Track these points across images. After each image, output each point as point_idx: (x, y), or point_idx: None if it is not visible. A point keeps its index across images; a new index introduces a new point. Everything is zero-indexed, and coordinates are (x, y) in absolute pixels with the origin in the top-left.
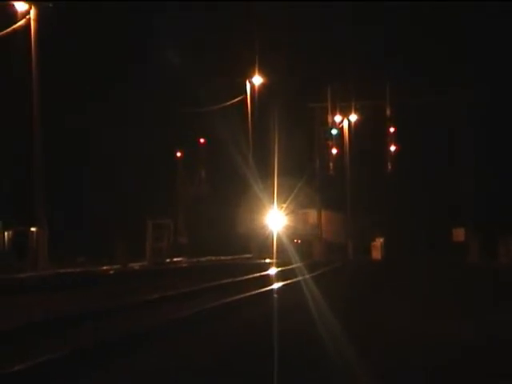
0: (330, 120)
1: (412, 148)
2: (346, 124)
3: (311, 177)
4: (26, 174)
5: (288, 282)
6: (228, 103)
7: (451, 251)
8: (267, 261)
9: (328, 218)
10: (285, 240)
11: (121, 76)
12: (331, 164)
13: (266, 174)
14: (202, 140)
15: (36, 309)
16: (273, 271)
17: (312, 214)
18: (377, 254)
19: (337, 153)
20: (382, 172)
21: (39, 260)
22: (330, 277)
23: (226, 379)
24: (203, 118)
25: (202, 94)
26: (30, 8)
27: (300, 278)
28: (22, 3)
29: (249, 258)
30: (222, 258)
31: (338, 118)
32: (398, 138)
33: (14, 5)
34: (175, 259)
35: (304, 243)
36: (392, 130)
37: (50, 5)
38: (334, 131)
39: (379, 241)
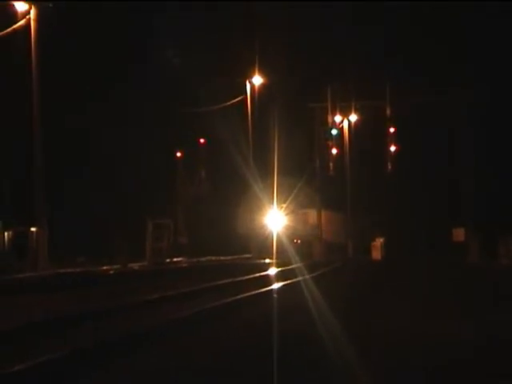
0: (330, 120)
1: (412, 148)
2: (346, 124)
3: (311, 177)
4: (25, 174)
5: (288, 282)
6: (228, 103)
7: (451, 251)
8: (267, 261)
9: (328, 218)
10: (284, 240)
11: (121, 76)
12: (331, 164)
13: (265, 174)
14: (201, 140)
15: (36, 309)
16: (273, 271)
17: (312, 214)
18: (377, 254)
19: (337, 153)
20: (382, 172)
21: (39, 260)
22: (330, 277)
23: (226, 379)
24: (203, 118)
25: (202, 94)
26: (30, 8)
27: (300, 279)
28: (22, 3)
29: (249, 258)
30: (222, 258)
31: (338, 118)
32: (397, 138)
33: (14, 5)
34: (175, 259)
35: (304, 243)
36: (392, 130)
37: (50, 5)
38: (334, 131)
39: (379, 241)
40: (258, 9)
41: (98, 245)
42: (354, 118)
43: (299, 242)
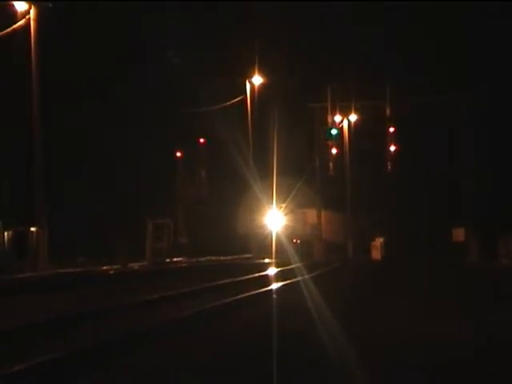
0: (329, 120)
1: (412, 148)
2: (345, 124)
3: (311, 177)
4: (26, 174)
5: (287, 282)
6: (228, 103)
7: (451, 251)
8: (266, 261)
9: (328, 218)
10: (284, 240)
11: (121, 76)
12: (331, 164)
13: (265, 174)
14: (201, 140)
15: (36, 309)
16: (272, 271)
17: (311, 214)
18: (376, 254)
19: (337, 153)
20: (382, 172)
21: (39, 260)
22: (330, 277)
23: (227, 379)
24: (203, 118)
25: (202, 94)
26: (30, 8)
27: (299, 279)
28: (21, 3)
29: (248, 258)
30: (222, 258)
31: (337, 118)
32: (398, 138)
33: (13, 5)
34: (175, 259)
35: (303, 243)
36: (392, 129)
37: (50, 5)
38: (334, 131)
39: (379, 241)
40: (258, 9)
41: (98, 245)
42: (353, 117)
43: (298, 241)
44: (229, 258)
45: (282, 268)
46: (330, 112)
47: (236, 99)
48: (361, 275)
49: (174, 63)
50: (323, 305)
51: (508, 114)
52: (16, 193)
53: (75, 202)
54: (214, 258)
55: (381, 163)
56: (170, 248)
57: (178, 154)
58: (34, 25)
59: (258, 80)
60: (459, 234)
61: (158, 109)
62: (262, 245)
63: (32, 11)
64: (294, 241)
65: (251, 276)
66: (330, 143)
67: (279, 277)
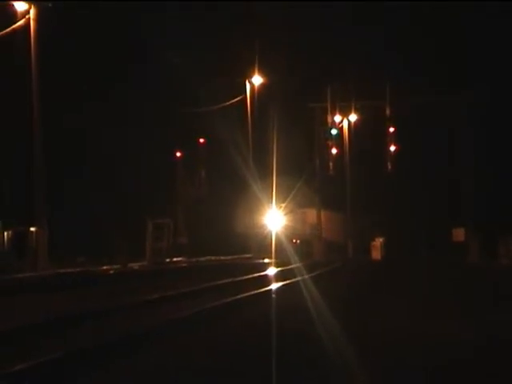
0: (329, 120)
1: (412, 148)
2: (345, 124)
3: (311, 176)
4: (26, 174)
5: (287, 282)
6: (227, 103)
7: (451, 251)
8: (266, 261)
9: (328, 218)
10: (283, 240)
11: (121, 76)
12: (331, 164)
13: (265, 174)
14: (201, 140)
15: (36, 309)
16: (272, 271)
17: (311, 214)
18: (376, 254)
19: (336, 153)
20: (382, 172)
21: (39, 260)
22: (329, 277)
23: (227, 379)
24: (203, 118)
25: (202, 94)
26: (30, 8)
27: (299, 279)
28: (21, 3)
29: (248, 258)
30: (222, 257)
31: (337, 118)
32: (398, 138)
33: (13, 5)
34: (175, 259)
35: (303, 243)
36: (391, 129)
37: (50, 5)
38: (334, 131)
39: (379, 241)
40: (258, 9)
41: (98, 245)
42: (353, 117)
43: (298, 241)
44: (229, 257)
45: (282, 268)
46: (329, 112)
47: (235, 99)
48: (360, 275)
49: (174, 63)
50: (323, 305)
51: (508, 113)
52: (16, 193)
53: (75, 202)
54: (213, 257)
55: (381, 163)
56: (169, 248)
57: (178, 154)
58: (34, 25)
59: (257, 80)
60: (459, 234)
61: (157, 109)
62: (261, 245)
63: (32, 11)
64: (294, 241)
65: (251, 276)
66: (329, 143)
67: (279, 277)
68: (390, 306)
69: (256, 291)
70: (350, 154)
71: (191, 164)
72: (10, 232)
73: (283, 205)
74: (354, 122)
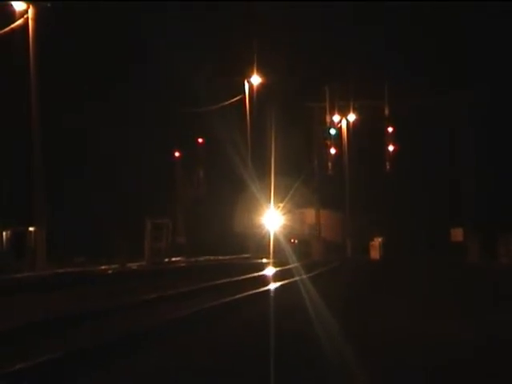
0: (328, 119)
1: (412, 148)
2: (344, 123)
3: (309, 176)
4: (25, 173)
5: (285, 282)
6: (226, 103)
7: (451, 251)
8: (264, 261)
9: (326, 218)
10: (282, 240)
11: (121, 76)
12: (330, 163)
13: (263, 174)
14: (200, 140)
15: (34, 309)
16: (270, 271)
17: (309, 214)
18: (375, 254)
19: (335, 152)
20: (381, 171)
21: (37, 260)
22: (328, 277)
23: (227, 379)
24: (202, 118)
25: (202, 94)
26: (28, 7)
27: (297, 278)
28: (20, 2)
29: (246, 258)
30: (220, 257)
31: (336, 118)
32: (398, 138)
33: (11, 4)
34: (174, 259)
35: (301, 243)
36: (390, 129)
37: (48, 4)
38: (333, 131)
39: (378, 240)
40: (258, 9)
41: (98, 245)
42: (352, 117)
43: (296, 241)
44: (227, 257)
45: (280, 268)
46: (328, 112)
47: (234, 99)
48: (359, 275)
49: (174, 63)
50: (321, 304)
51: (509, 113)
52: (16, 193)
53: (75, 202)
54: (212, 257)
55: (380, 163)
56: (168, 248)
57: (177, 154)
58: (33, 24)
59: (256, 80)
60: (457, 234)
61: (158, 109)
62: (259, 244)
63: (30, 11)
64: (292, 241)
65: (249, 276)
66: (328, 143)
67: (277, 276)
68: (389, 305)
69: (254, 291)
70: (348, 153)
71: (190, 164)
72: (8, 232)
73: (281, 205)
74: (353, 122)
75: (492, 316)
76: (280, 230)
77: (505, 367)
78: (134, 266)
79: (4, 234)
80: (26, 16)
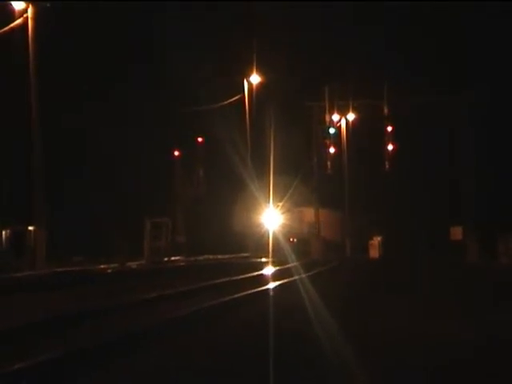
0: (327, 119)
1: (412, 148)
2: (343, 123)
3: (308, 175)
4: (26, 174)
5: (284, 281)
6: (225, 102)
7: (450, 251)
8: (263, 260)
9: (326, 217)
10: (281, 239)
11: (121, 76)
12: (329, 163)
13: (262, 173)
14: (199, 139)
15: (34, 308)
16: (269, 270)
17: (308, 213)
18: (374, 253)
19: (335, 151)
20: (380, 171)
21: (37, 259)
22: (327, 276)
23: (227, 379)
24: (201, 118)
25: (202, 94)
26: (28, 7)
27: (296, 278)
28: (19, 2)
29: (246, 257)
30: (220, 256)
31: (335, 117)
32: (398, 138)
33: (11, 3)
34: (173, 258)
35: (300, 242)
36: (390, 129)
37: (48, 4)
38: (332, 130)
39: (377, 239)
40: (258, 9)
41: (98, 244)
42: (351, 116)
43: (295, 240)
44: (226, 256)
45: (279, 267)
46: (328, 111)
47: (233, 98)
48: (359, 274)
49: (174, 63)
50: (320, 304)
51: (508, 113)
52: (16, 192)
53: (75, 202)
54: (211, 256)
55: (379, 162)
56: (168, 247)
57: (176, 153)
58: (32, 24)
59: (256, 79)
60: (457, 233)
61: (157, 108)
62: (258, 243)
63: (30, 10)
64: (291, 239)
65: (248, 275)
66: (327, 142)
67: (276, 276)
68: (389, 305)
69: (254, 290)
70: (348, 153)
71: (189, 163)
72: (8, 231)
73: (280, 203)
74: (352, 121)
75: (492, 316)
76: (279, 228)
77: (505, 367)
78: (133, 265)
79: (3, 233)
80: (25, 15)
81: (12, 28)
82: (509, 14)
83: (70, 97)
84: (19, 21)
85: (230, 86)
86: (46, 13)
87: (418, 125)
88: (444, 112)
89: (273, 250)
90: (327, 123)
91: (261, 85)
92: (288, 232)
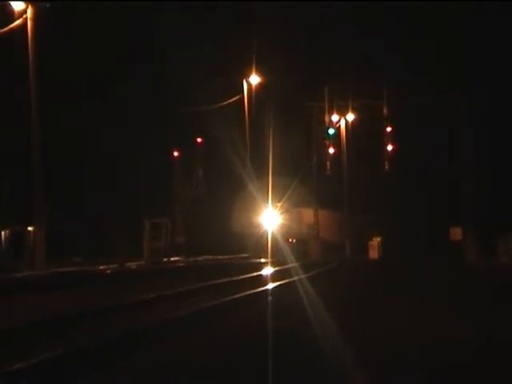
0: (327, 119)
1: (412, 148)
2: (343, 123)
3: (307, 176)
4: (25, 174)
5: (283, 281)
6: (225, 103)
7: (450, 251)
8: (262, 260)
9: (325, 217)
10: (280, 239)
11: (121, 76)
12: (328, 163)
13: (261, 173)
14: (199, 139)
15: (33, 308)
16: (268, 271)
17: (307, 213)
18: (374, 254)
19: (334, 152)
20: (380, 171)
21: (36, 259)
22: (326, 276)
23: (226, 379)
24: (200, 118)
25: (201, 94)
26: (27, 7)
27: (295, 278)
28: (19, 2)
29: (245, 258)
30: (219, 257)
31: (335, 118)
32: (398, 138)
33: (10, 4)
34: (172, 259)
35: (299, 242)
36: (389, 129)
37: (48, 5)
38: (331, 130)
39: (376, 240)
40: (258, 9)
41: (98, 245)
42: (351, 117)
43: (294, 241)
44: (225, 257)
45: (278, 267)
46: (327, 111)
47: (233, 99)
48: (358, 275)
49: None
50: (320, 304)
51: (508, 113)
52: (16, 193)
53: (75, 202)
54: (210, 257)
55: (378, 163)
56: (167, 247)
57: (176, 154)
58: (32, 24)
59: (255, 79)
60: (456, 233)
61: (156, 109)
62: (258, 244)
63: (29, 10)
64: (290, 240)
65: (247, 275)
66: (327, 142)
67: (275, 276)
68: (388, 306)
69: (253, 291)
70: (347, 153)
71: (189, 164)
72: (7, 231)
73: (279, 204)
74: (352, 122)
75: (492, 316)
76: (278, 229)
77: (505, 367)
78: (132, 265)
79: (3, 233)
80: (24, 16)
81: (11, 28)
82: (509, 13)
83: (70, 97)
84: (19, 21)
85: (229, 86)
86: (45, 13)
87: (417, 125)
88: (444, 112)
89: (272, 251)
90: (327, 123)
91: (260, 85)
92: (287, 232)
